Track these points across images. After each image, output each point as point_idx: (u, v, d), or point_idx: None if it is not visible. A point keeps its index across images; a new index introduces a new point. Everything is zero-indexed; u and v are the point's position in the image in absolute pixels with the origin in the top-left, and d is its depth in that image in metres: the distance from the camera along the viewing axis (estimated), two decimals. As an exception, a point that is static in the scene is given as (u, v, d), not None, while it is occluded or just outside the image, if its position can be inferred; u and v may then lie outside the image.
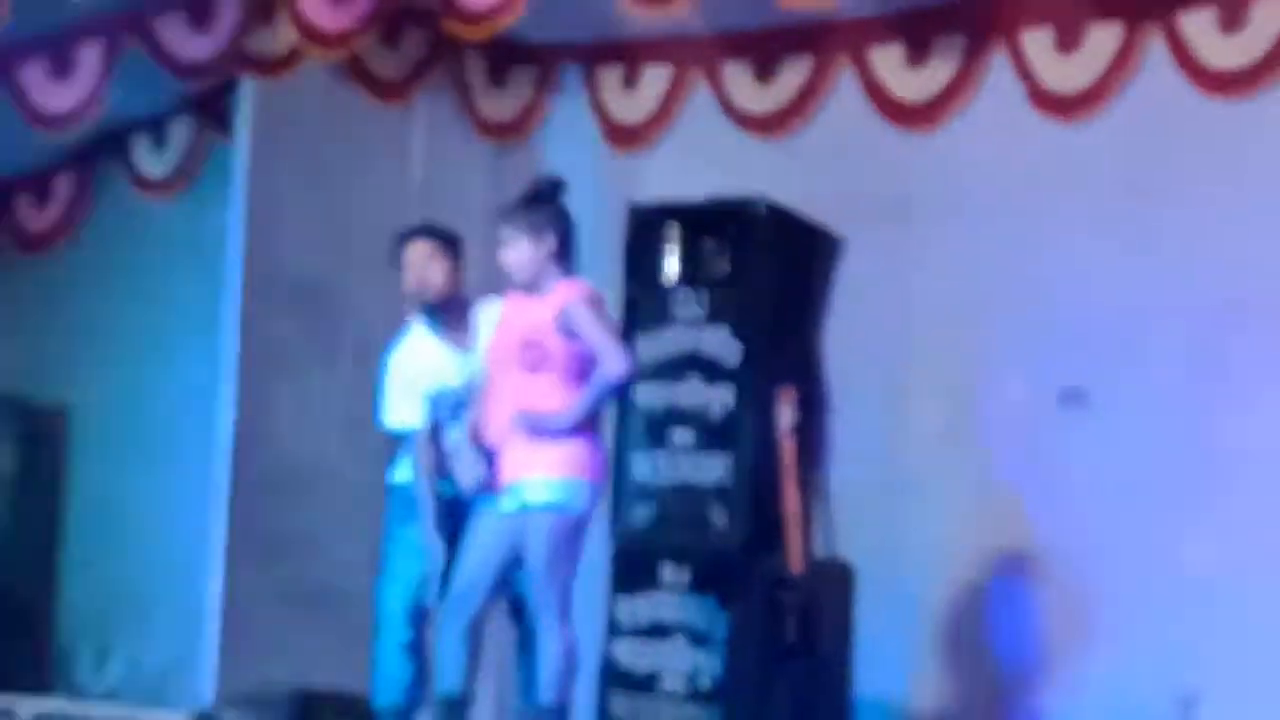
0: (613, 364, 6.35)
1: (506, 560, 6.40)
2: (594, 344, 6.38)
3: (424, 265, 6.95)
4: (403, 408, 6.89)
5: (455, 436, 6.66)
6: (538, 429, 6.33)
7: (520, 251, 6.47)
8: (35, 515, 10.26)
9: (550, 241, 6.46)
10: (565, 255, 6.51)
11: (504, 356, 6.48)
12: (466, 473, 6.51)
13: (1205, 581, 7.30)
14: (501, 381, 6.47)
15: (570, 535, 6.35)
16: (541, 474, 6.33)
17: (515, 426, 6.38)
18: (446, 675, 6.49)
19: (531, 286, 6.47)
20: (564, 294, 6.41)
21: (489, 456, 6.45)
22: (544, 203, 6.58)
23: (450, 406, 6.72)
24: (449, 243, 7.04)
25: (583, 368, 6.39)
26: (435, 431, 6.72)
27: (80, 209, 10.26)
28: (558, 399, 6.35)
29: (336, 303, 8.78)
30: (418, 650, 6.93)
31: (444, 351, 6.91)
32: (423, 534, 6.69)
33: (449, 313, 6.95)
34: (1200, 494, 7.38)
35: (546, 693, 6.35)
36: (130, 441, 9.86)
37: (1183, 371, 7.49)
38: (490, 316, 6.82)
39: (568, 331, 6.37)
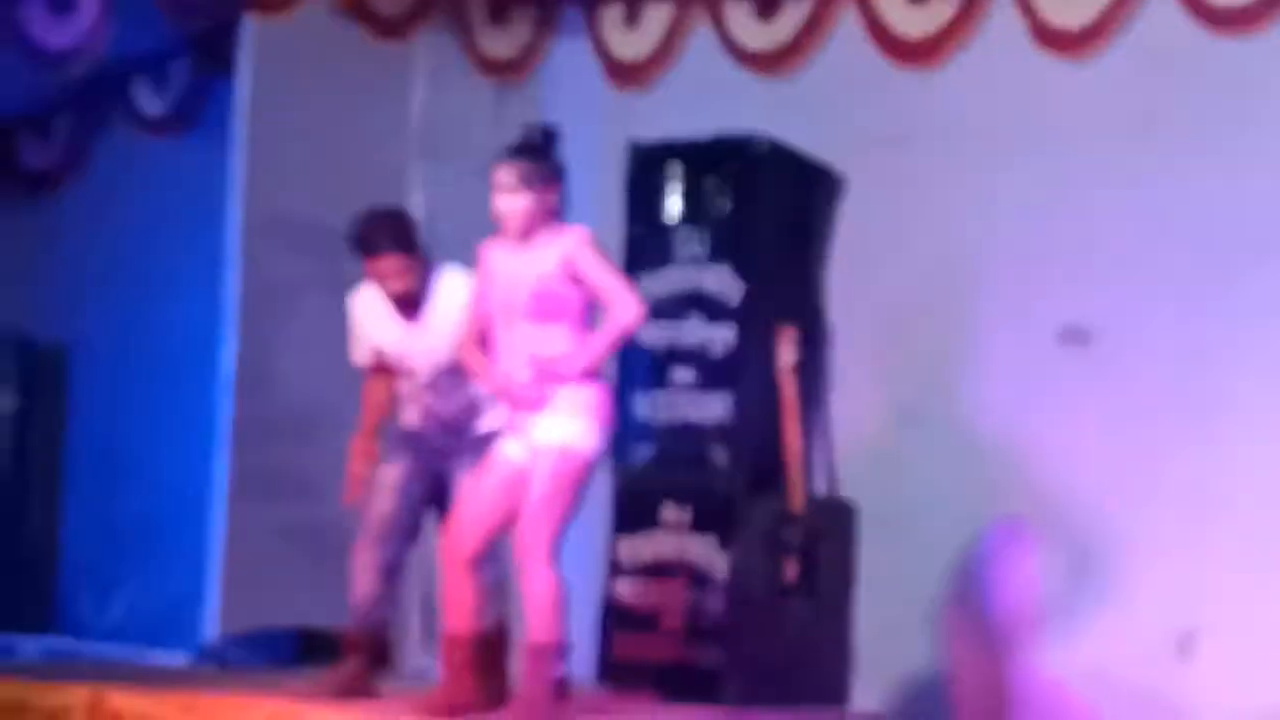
0: (625, 310, 6.40)
1: (513, 505, 6.41)
2: (604, 290, 6.42)
3: (395, 278, 6.99)
4: (361, 349, 7.18)
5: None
6: (554, 377, 6.36)
7: (518, 203, 6.48)
8: (37, 454, 10.38)
9: (550, 198, 6.48)
10: (558, 207, 6.55)
11: (509, 307, 6.49)
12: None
13: (1205, 519, 7.28)
14: (508, 332, 6.49)
15: (575, 477, 6.37)
16: (551, 415, 6.36)
17: (530, 375, 6.40)
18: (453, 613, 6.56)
19: (522, 237, 6.48)
20: (568, 241, 6.42)
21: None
22: (543, 154, 6.58)
23: None
24: (415, 249, 7.06)
25: (588, 313, 6.43)
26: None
27: (80, 148, 10.33)
28: (567, 346, 6.39)
29: (337, 242, 8.75)
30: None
31: (391, 321, 7.08)
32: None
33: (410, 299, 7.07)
34: (1202, 430, 7.34)
35: (537, 632, 6.37)
36: (132, 380, 9.93)
37: (1185, 308, 7.43)
38: (455, 284, 6.95)
39: (575, 278, 6.38)
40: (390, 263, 6.98)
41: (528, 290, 6.43)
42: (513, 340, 6.45)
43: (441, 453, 7.07)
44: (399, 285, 6.99)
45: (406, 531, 7.16)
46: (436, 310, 7.01)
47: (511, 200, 6.46)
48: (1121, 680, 7.41)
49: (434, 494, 7.14)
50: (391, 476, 7.11)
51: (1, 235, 10.80)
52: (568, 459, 6.34)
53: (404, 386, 7.17)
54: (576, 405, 6.37)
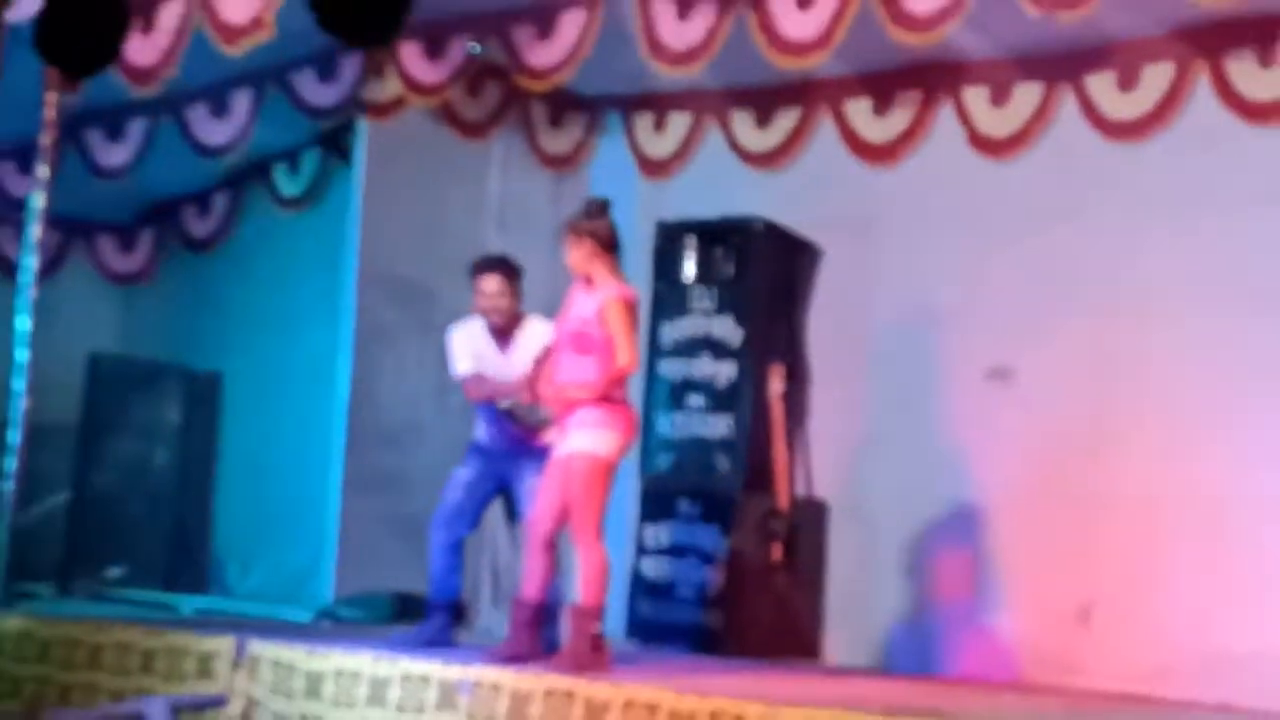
0: (621, 358, 6.42)
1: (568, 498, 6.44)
2: (615, 339, 6.46)
3: (497, 295, 6.93)
4: (464, 361, 7.02)
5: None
6: (567, 398, 6.44)
7: (570, 254, 6.58)
8: (196, 457, 10.30)
9: (587, 243, 6.52)
10: (608, 255, 6.54)
11: (562, 339, 6.55)
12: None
13: (1099, 517, 7.31)
14: (560, 358, 6.55)
15: (599, 474, 6.38)
16: (577, 429, 6.42)
17: (558, 395, 6.49)
18: (527, 582, 6.58)
19: (583, 280, 6.54)
20: (606, 294, 6.49)
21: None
22: (589, 216, 6.64)
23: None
24: (516, 274, 7.00)
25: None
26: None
27: (232, 219, 10.35)
28: (595, 373, 6.44)
29: (429, 295, 8.82)
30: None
31: (489, 347, 7.01)
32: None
33: (504, 328, 7.02)
34: (1097, 446, 7.39)
35: (585, 597, 6.42)
36: (269, 400, 9.91)
37: (1087, 353, 7.47)
38: (536, 331, 6.94)
39: (602, 324, 6.45)
40: (494, 281, 6.90)
41: (571, 328, 6.51)
42: (561, 363, 6.52)
43: (508, 462, 7.04)
44: (500, 303, 6.90)
45: (470, 520, 7.13)
46: (520, 346, 6.97)
47: (567, 250, 6.56)
48: (1034, 642, 7.45)
49: (498, 493, 7.14)
50: (464, 476, 7.10)
51: (170, 287, 10.77)
52: (591, 461, 6.37)
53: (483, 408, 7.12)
54: (594, 421, 6.38)
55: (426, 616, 7.17)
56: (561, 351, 6.54)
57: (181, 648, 6.88)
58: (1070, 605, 7.35)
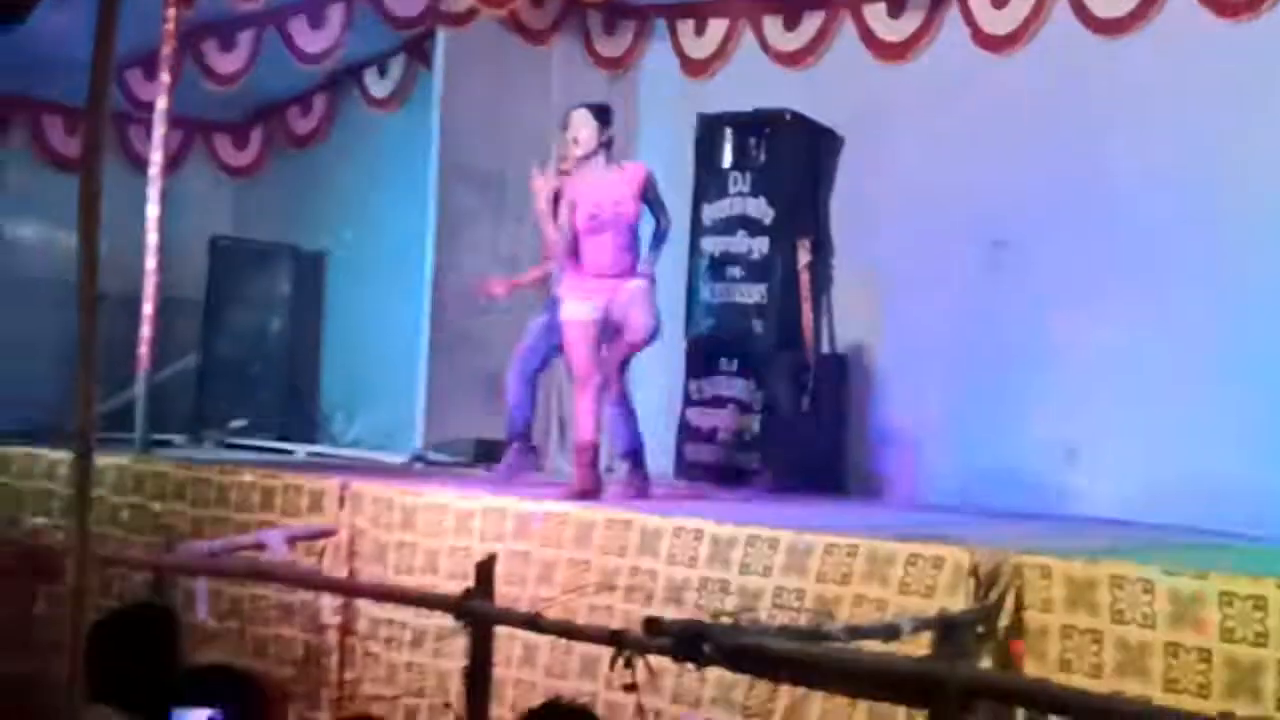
0: (667, 220, 6.42)
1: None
2: (659, 206, 6.42)
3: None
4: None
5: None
6: (641, 269, 6.38)
7: (588, 130, 6.48)
8: (305, 325, 10.39)
9: (608, 132, 6.48)
10: (609, 149, 6.52)
11: (597, 221, 6.46)
12: None
13: (1089, 368, 7.24)
14: (597, 238, 6.48)
15: (578, 335, 6.44)
16: (635, 299, 6.41)
17: (619, 267, 6.40)
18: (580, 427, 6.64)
19: (586, 160, 6.46)
20: (637, 171, 6.44)
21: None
22: (605, 110, 6.58)
23: None
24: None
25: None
26: None
27: (330, 118, 10.36)
28: (631, 245, 6.42)
29: (501, 182, 8.84)
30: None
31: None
32: None
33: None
34: (1084, 308, 7.28)
35: (630, 441, 6.52)
36: (367, 275, 9.97)
37: (1076, 227, 7.31)
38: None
39: (644, 198, 6.40)
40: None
41: (610, 209, 6.48)
42: (602, 242, 6.50)
43: None
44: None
45: (541, 359, 7.17)
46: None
47: (581, 128, 6.51)
48: (1024, 476, 7.43)
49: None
50: (539, 323, 7.15)
51: (278, 178, 10.84)
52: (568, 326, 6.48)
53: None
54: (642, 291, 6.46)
55: (506, 451, 7.19)
56: (596, 234, 6.49)
57: (296, 487, 6.97)
58: (1059, 444, 7.25)
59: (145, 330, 7.87)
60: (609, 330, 6.53)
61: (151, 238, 7.91)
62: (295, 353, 10.32)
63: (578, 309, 6.54)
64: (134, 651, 3.61)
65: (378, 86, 9.89)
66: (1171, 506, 6.50)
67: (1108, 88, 7.28)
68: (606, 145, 6.52)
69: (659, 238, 6.60)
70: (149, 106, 8.25)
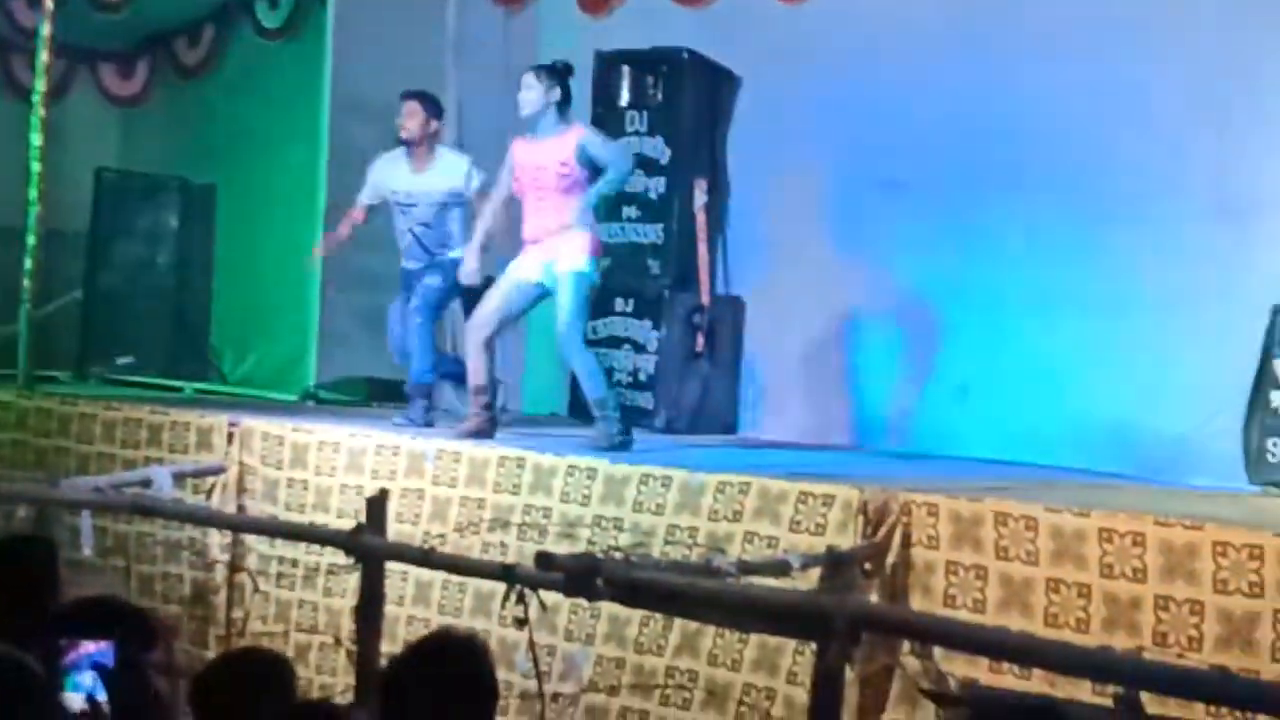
0: (625, 163, 6.47)
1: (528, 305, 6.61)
2: (610, 156, 6.44)
3: (411, 119, 7.17)
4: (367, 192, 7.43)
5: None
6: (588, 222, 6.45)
7: (533, 92, 6.48)
8: (194, 260, 10.22)
9: (555, 93, 6.48)
10: (563, 108, 6.54)
11: (539, 183, 6.50)
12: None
13: (977, 304, 7.30)
14: (539, 201, 6.50)
15: (589, 294, 6.53)
16: (573, 255, 6.44)
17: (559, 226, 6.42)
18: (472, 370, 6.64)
19: (532, 121, 6.48)
20: (577, 134, 6.46)
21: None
22: (556, 71, 6.57)
23: None
24: (435, 112, 7.27)
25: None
26: None
27: (219, 48, 10.17)
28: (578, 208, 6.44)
29: (394, 115, 8.72)
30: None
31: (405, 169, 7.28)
32: None
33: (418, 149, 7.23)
34: (978, 245, 7.32)
35: (591, 392, 6.55)
36: (258, 208, 9.83)
37: (965, 167, 7.35)
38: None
39: (585, 159, 6.40)
40: (413, 107, 7.17)
41: (553, 171, 6.52)
42: (544, 205, 6.55)
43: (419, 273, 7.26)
44: (413, 127, 7.13)
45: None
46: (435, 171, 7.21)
47: (527, 90, 6.54)
48: (917, 417, 7.53)
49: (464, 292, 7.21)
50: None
51: (166, 109, 10.67)
52: (583, 283, 6.56)
53: (401, 222, 7.27)
54: (589, 246, 6.56)
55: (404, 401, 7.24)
56: (539, 197, 6.56)
57: (183, 423, 6.94)
58: (949, 384, 7.36)
59: (28, 263, 7.73)
60: (539, 297, 6.62)
61: (35, 167, 7.76)
62: (184, 288, 10.17)
63: (524, 268, 6.58)
64: (12, 584, 3.62)
65: (269, 17, 9.69)
66: (1060, 449, 6.64)
67: (1012, 27, 7.26)
68: (558, 105, 6.56)
69: (609, 183, 6.59)
70: (32, 34, 8.06)
